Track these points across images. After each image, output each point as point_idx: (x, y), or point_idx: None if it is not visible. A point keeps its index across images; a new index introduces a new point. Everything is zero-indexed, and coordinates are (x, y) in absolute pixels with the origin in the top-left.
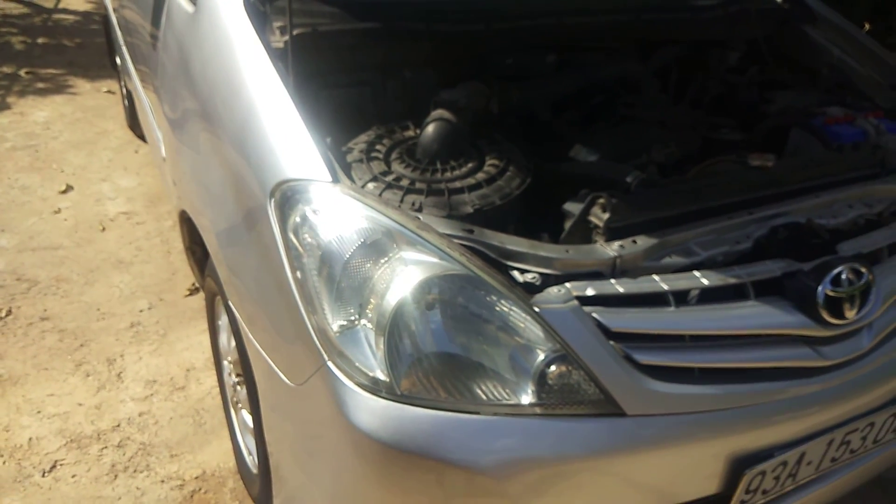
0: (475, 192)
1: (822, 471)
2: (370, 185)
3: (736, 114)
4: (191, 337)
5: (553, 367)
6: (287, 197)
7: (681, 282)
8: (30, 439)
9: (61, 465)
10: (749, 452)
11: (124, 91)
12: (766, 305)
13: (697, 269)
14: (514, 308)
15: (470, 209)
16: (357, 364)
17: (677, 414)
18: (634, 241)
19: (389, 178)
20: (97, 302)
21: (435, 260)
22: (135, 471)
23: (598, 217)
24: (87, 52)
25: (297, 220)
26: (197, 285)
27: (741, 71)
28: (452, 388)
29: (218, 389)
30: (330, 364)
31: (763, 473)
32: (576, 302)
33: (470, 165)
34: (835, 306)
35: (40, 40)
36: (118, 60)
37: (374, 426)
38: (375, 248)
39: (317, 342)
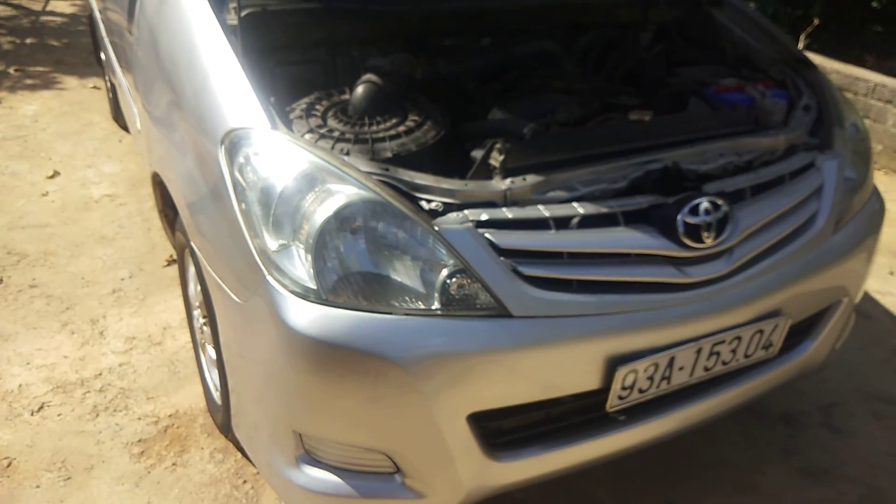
0: (395, 140)
1: (699, 379)
2: (307, 136)
3: (644, 86)
4: (168, 301)
5: (454, 279)
6: (234, 143)
7: (561, 210)
8: (20, 385)
9: (48, 406)
10: (623, 353)
11: (109, 85)
12: (634, 230)
13: (577, 202)
14: (421, 231)
15: (389, 154)
16: (291, 276)
17: (557, 317)
18: (524, 178)
19: (323, 130)
20: (82, 272)
21: (354, 189)
22: (114, 410)
23: (496, 159)
24: (74, 51)
25: (242, 160)
26: (174, 257)
27: (653, 49)
28: (373, 300)
29: (191, 344)
30: (269, 278)
31: (636, 372)
32: (471, 224)
33: (394, 121)
34: (694, 233)
35: (28, 40)
36: (103, 56)
37: (304, 324)
38: (306, 181)
39: (258, 261)
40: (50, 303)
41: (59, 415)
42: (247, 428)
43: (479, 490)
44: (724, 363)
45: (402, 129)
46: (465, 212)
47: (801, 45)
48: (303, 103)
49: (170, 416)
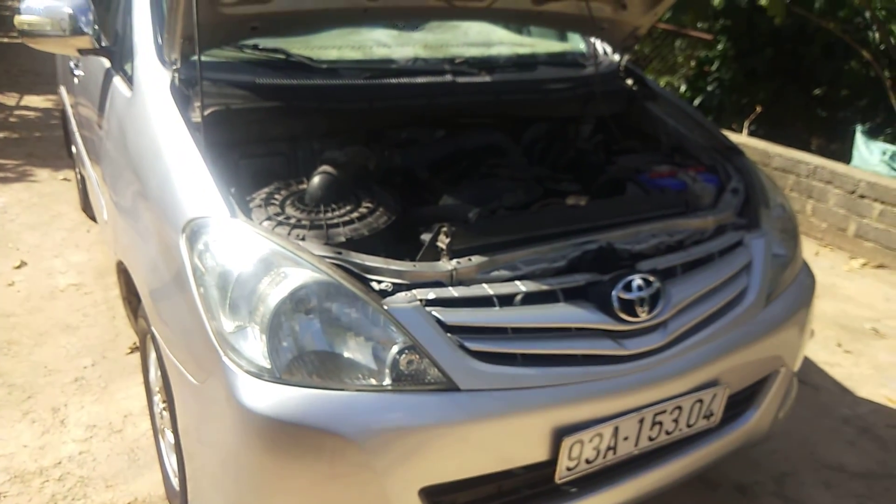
0: (348, 226)
1: (645, 448)
2: (265, 223)
3: (584, 173)
4: (130, 388)
5: (403, 356)
6: (194, 231)
7: (504, 288)
8: None
9: (5, 496)
10: (568, 424)
11: (79, 177)
12: (573, 306)
13: (519, 280)
14: (372, 311)
15: (343, 238)
16: (246, 356)
17: (504, 389)
18: (470, 259)
19: (281, 218)
20: (45, 360)
21: (308, 272)
22: (73, 499)
23: (443, 242)
24: (46, 144)
25: (202, 247)
26: (137, 344)
27: (593, 140)
28: (327, 377)
29: (152, 431)
30: (224, 359)
31: (581, 442)
32: (419, 302)
33: (348, 208)
34: (629, 307)
35: (1, 134)
36: (74, 150)
37: (258, 403)
38: (262, 265)
39: (215, 343)
40: (11, 392)
41: None
42: None
43: None
44: (668, 433)
45: (355, 215)
46: (414, 291)
47: (745, 131)
48: (262, 193)
49: (128, 503)
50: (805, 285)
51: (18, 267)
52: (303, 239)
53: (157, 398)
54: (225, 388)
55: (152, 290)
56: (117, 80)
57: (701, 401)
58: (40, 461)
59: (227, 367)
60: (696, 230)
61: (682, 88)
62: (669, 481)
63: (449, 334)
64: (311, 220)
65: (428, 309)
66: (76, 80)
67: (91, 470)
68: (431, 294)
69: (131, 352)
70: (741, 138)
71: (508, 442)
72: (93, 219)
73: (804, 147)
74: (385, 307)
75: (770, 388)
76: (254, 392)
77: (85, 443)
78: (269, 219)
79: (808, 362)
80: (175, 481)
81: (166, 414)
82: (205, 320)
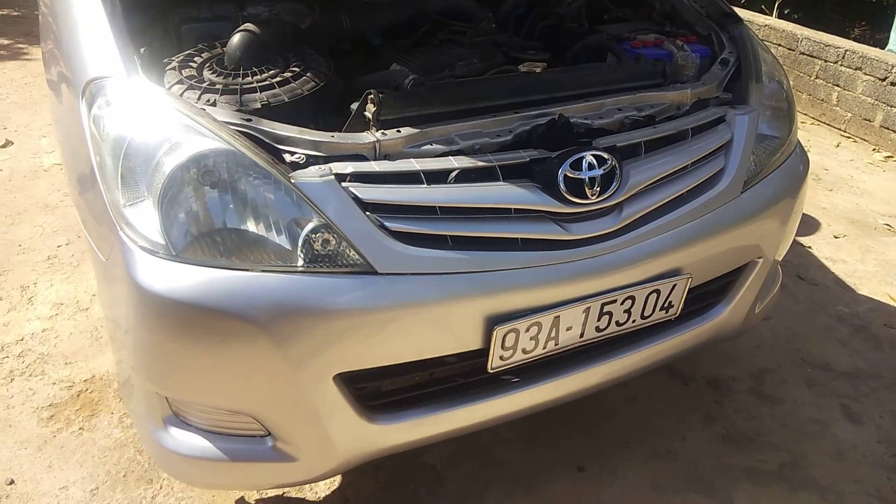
0: (267, 91)
1: (593, 340)
2: (175, 87)
3: (561, 42)
4: None
5: (318, 235)
6: (92, 93)
7: (434, 164)
8: None
9: None
10: (503, 313)
11: None
12: (514, 185)
13: (455, 156)
14: (283, 185)
15: (258, 105)
16: (140, 231)
17: (427, 274)
18: (398, 131)
19: (193, 81)
20: (20, 239)
21: (207, 140)
22: (31, 375)
23: (370, 111)
24: None
25: (97, 111)
26: None
27: (577, 4)
28: (231, 256)
29: None
30: (121, 233)
31: (516, 331)
32: (332, 177)
33: (273, 72)
34: (578, 188)
35: (2, 11)
36: None
37: (154, 282)
38: (156, 131)
39: (112, 216)
40: None
41: None
42: (126, 391)
43: (358, 453)
44: (619, 324)
45: (276, 80)
46: (330, 165)
47: (775, 13)
48: (181, 55)
49: (85, 381)
50: (795, 172)
51: (4, 146)
52: (214, 104)
53: None
54: (122, 264)
55: (67, 163)
56: None
57: (658, 291)
58: (2, 338)
59: (123, 242)
60: (670, 104)
61: None
62: (623, 374)
63: (367, 213)
64: (225, 84)
65: (344, 185)
66: None
67: (52, 347)
68: (350, 168)
69: None
70: (769, 20)
71: (434, 330)
72: None
73: (843, 34)
74: (292, 181)
75: (745, 281)
76: (149, 270)
77: (49, 320)
78: (180, 82)
79: (809, 257)
80: None
81: None
82: (102, 192)
